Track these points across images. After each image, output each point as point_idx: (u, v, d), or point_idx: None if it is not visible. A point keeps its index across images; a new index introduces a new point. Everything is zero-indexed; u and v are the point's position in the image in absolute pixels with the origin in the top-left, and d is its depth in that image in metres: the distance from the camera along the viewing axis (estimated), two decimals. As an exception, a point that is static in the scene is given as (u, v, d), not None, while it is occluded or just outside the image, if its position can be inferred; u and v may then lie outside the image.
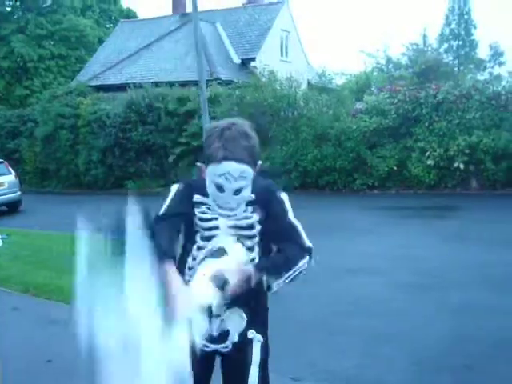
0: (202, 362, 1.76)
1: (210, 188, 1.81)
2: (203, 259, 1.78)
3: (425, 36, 28.98)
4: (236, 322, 1.75)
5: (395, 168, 12.24)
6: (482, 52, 32.69)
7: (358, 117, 12.73)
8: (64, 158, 16.36)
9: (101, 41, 25.52)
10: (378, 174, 12.33)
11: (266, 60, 16.15)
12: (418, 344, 3.75)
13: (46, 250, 7.52)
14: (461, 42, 29.21)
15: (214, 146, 1.78)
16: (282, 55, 20.49)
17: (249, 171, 1.78)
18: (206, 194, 1.84)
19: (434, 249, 6.73)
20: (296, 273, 1.79)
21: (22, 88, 25.11)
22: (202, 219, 1.83)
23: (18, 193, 12.57)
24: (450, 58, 27.53)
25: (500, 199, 10.81)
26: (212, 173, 1.78)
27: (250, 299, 1.75)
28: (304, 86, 15.44)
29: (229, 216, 1.82)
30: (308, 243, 1.85)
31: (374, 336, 3.90)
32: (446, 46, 29.83)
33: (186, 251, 1.85)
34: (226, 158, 1.75)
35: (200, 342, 1.66)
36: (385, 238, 7.52)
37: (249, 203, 1.82)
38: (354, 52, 59.76)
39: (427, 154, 11.84)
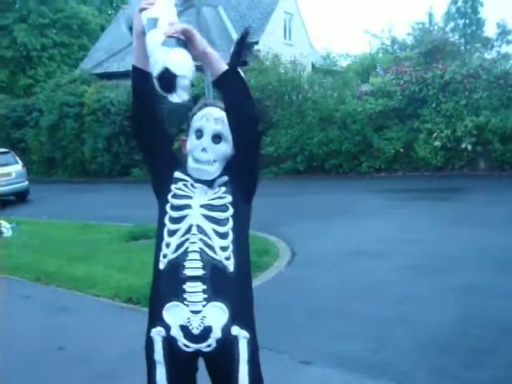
0: (183, 366, 1.70)
1: (190, 142, 1.84)
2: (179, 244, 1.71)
3: (430, 15, 28.64)
4: (217, 316, 1.63)
5: (402, 150, 12.17)
6: (489, 30, 32.29)
7: (364, 99, 12.63)
8: (70, 146, 16.39)
9: (103, 28, 25.36)
10: (385, 156, 12.26)
11: (270, 43, 16.00)
12: (425, 327, 3.75)
13: (55, 239, 7.57)
14: (467, 21, 28.83)
15: (197, 106, 1.87)
16: (285, 38, 20.29)
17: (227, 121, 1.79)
18: (185, 172, 1.85)
19: (441, 231, 6.71)
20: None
21: (26, 77, 25.07)
22: (175, 195, 1.79)
23: (26, 182, 12.62)
24: (457, 36, 27.18)
25: (508, 180, 10.72)
26: (193, 122, 1.84)
27: (231, 292, 1.66)
28: (308, 69, 15.31)
29: (204, 184, 1.79)
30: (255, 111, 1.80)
31: (381, 319, 3.90)
32: (452, 24, 29.44)
33: (161, 227, 1.80)
34: (206, 105, 1.86)
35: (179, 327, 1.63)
36: (392, 220, 7.49)
37: (223, 184, 1.78)
38: (358, 33, 59.15)
39: (434, 135, 11.75)
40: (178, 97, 1.62)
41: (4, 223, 8.44)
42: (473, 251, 5.64)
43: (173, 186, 1.82)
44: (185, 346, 1.64)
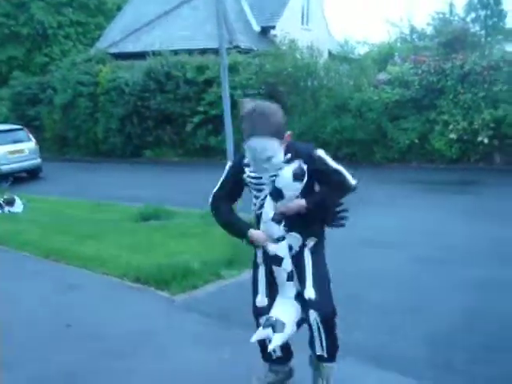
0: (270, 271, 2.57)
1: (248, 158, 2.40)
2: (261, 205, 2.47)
3: (451, 5, 28.09)
4: (294, 240, 2.48)
5: (417, 141, 12.00)
6: (511, 23, 31.60)
7: (380, 88, 12.44)
8: (83, 125, 16.39)
9: (119, 8, 25.22)
10: (399, 146, 12.11)
11: (287, 28, 15.79)
12: (434, 320, 3.70)
13: (65, 216, 7.60)
14: (489, 12, 28.23)
15: (243, 127, 2.33)
16: (302, 23, 20.05)
17: (271, 143, 2.27)
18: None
19: (453, 224, 6.62)
20: (339, 205, 2.47)
21: (42, 55, 25.06)
22: (250, 176, 2.46)
23: (39, 160, 12.69)
24: (477, 28, 26.66)
25: (524, 175, 10.55)
26: (246, 147, 2.35)
27: (302, 227, 2.46)
28: (325, 56, 15.12)
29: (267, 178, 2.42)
30: (352, 182, 2.41)
31: (390, 310, 3.86)
32: (473, 15, 28.84)
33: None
34: (250, 136, 2.29)
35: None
36: (403, 211, 7.41)
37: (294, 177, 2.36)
38: (377, 21, 58.31)
39: (450, 127, 11.56)
40: None
41: (17, 199, 8.50)
42: (485, 245, 5.56)
43: (246, 169, 2.47)
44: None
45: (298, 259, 2.52)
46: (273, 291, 2.57)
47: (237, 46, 15.77)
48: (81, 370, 3.14)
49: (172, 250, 5.41)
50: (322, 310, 2.44)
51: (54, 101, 16.89)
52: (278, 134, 2.29)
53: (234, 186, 2.54)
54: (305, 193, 2.40)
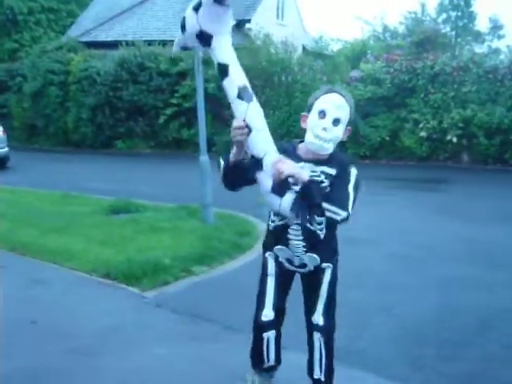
0: (285, 277, 2.45)
1: (312, 119, 2.22)
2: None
3: (423, 5, 28.49)
4: (311, 260, 2.34)
5: (387, 138, 12.18)
6: (481, 24, 32.28)
7: (353, 85, 12.57)
8: (53, 114, 16.05)
9: (93, -5, 24.70)
10: (370, 143, 12.28)
11: (262, 22, 15.76)
12: (405, 317, 3.78)
13: (33, 208, 7.43)
14: (460, 13, 28.74)
15: (322, 89, 2.27)
16: (277, 18, 20.01)
17: (347, 110, 2.22)
18: (290, 157, 2.18)
19: (422, 221, 6.76)
20: (327, 211, 2.15)
21: (11, 41, 24.39)
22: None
23: (6, 149, 12.35)
24: (448, 28, 27.13)
25: (491, 174, 10.84)
26: (318, 103, 2.21)
27: (322, 249, 2.33)
28: (299, 51, 15.16)
29: (309, 161, 2.23)
30: (349, 208, 2.21)
31: (362, 308, 3.92)
32: (444, 16, 29.33)
33: None
34: (331, 90, 2.24)
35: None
36: (375, 209, 7.51)
37: (327, 176, 2.22)
38: (351, 19, 58.72)
39: (421, 125, 11.78)
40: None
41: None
42: (454, 242, 5.70)
43: None
44: (289, 267, 2.40)
45: (312, 280, 2.42)
46: (281, 300, 2.47)
47: (211, 39, 15.64)
48: (45, 368, 3.09)
49: (142, 244, 5.36)
50: (327, 331, 2.44)
51: (24, 89, 16.48)
52: (349, 116, 2.24)
53: None
54: None
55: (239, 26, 18.05)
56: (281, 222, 2.31)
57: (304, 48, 17.73)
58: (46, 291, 4.30)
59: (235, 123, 2.09)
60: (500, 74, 11.26)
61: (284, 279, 2.46)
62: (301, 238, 2.29)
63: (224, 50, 2.18)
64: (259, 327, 2.47)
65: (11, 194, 8.57)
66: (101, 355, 3.23)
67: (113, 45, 15.95)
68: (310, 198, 2.10)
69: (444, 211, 7.27)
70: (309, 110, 2.26)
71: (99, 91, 14.90)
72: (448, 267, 4.86)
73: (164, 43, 15.03)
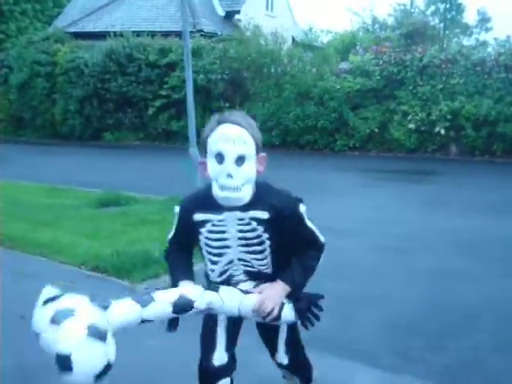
0: (234, 321, 1.97)
1: (211, 167, 1.79)
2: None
3: (413, -4, 28.51)
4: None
5: (376, 130, 12.23)
6: (469, 17, 32.37)
7: (342, 77, 12.59)
8: (40, 106, 15.89)
9: (79, -15, 24.37)
10: (359, 135, 12.32)
11: (251, 13, 15.70)
12: (393, 308, 3.81)
13: (21, 202, 7.37)
14: (448, 5, 28.83)
15: (212, 121, 1.82)
16: (267, 9, 19.95)
17: (249, 138, 1.76)
18: (209, 208, 1.84)
19: (409, 213, 6.81)
20: (313, 266, 2.03)
21: (-4, 32, 24.06)
22: (209, 239, 1.89)
23: (-8, 141, 12.23)
24: (437, 20, 27.22)
25: (478, 166, 10.93)
26: (210, 144, 1.78)
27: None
28: (289, 43, 15.12)
29: (233, 209, 1.81)
30: (322, 241, 2.00)
31: (349, 299, 3.95)
32: (432, 8, 29.44)
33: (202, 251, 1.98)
34: (221, 121, 1.78)
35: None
36: (361, 200, 7.56)
37: (260, 222, 1.83)
38: (341, 10, 58.65)
39: (409, 117, 11.84)
40: None
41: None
42: (440, 234, 5.75)
43: (203, 230, 1.88)
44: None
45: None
46: (234, 341, 2.01)
47: (200, 30, 15.58)
48: (33, 364, 3.07)
49: (132, 237, 5.34)
50: (297, 367, 2.15)
51: (10, 80, 16.28)
52: (254, 138, 1.79)
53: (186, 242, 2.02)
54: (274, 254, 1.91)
55: (229, 16, 18.00)
56: (220, 279, 1.94)
57: (293, 39, 17.69)
58: (36, 285, 4.25)
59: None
60: (487, 67, 11.32)
61: (233, 321, 1.98)
62: (246, 278, 1.93)
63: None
64: (210, 375, 1.92)
65: (-2, 187, 8.48)
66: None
67: (101, 35, 15.80)
68: (305, 301, 1.96)
69: (432, 203, 7.33)
70: (205, 152, 1.83)
71: (87, 83, 14.77)
72: (436, 258, 4.90)
73: (153, 34, 14.93)
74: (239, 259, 1.90)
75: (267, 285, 1.91)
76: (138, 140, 14.89)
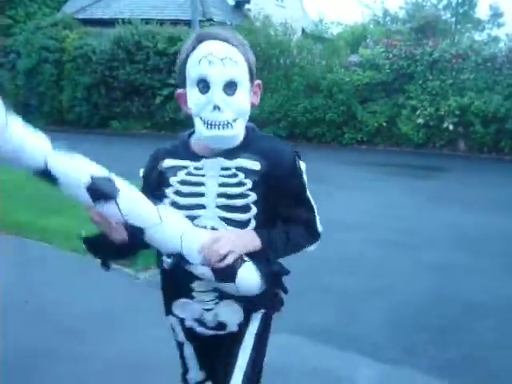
0: (207, 342, 1.59)
1: (192, 97, 1.35)
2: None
3: (424, -10, 28.25)
4: (232, 314, 1.50)
5: (384, 124, 12.16)
6: (481, 12, 32.04)
7: (352, 69, 12.49)
8: (47, 93, 15.87)
9: (89, -29, 24.29)
10: (367, 129, 12.25)
11: (261, 3, 15.58)
12: (397, 302, 3.80)
13: (27, 189, 7.38)
14: (460, 0, 28.54)
15: (191, 39, 1.37)
16: None
17: (240, 58, 1.35)
18: (184, 154, 1.45)
19: (415, 208, 6.78)
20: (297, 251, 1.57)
21: (5, 17, 24.06)
22: (179, 193, 1.43)
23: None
24: (448, 15, 26.97)
25: (486, 163, 10.85)
26: (189, 68, 1.34)
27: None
28: (298, 34, 15.02)
29: (215, 155, 1.38)
30: (319, 229, 1.58)
31: (354, 293, 3.94)
32: (445, 2, 29.14)
33: None
34: (204, 37, 1.34)
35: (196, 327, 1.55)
36: (368, 194, 7.53)
37: (249, 174, 1.39)
38: (351, 1, 58.22)
39: (418, 112, 11.75)
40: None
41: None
42: (448, 230, 5.72)
43: (173, 181, 1.45)
44: (203, 331, 1.56)
45: (228, 341, 1.55)
46: (208, 363, 1.66)
47: (210, 19, 15.48)
48: (34, 349, 3.09)
49: (137, 225, 5.33)
50: None
51: (18, 66, 16.27)
52: (248, 62, 1.41)
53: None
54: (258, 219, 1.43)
55: (239, 6, 17.90)
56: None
57: (303, 31, 17.57)
58: (42, 271, 4.28)
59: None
60: (498, 63, 11.20)
61: (205, 344, 1.61)
62: (210, 287, 1.45)
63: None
64: None
65: (3, 175, 8.50)
66: (93, 338, 3.24)
67: (109, 22, 15.74)
68: (272, 262, 1.46)
69: (438, 198, 7.29)
70: (182, 82, 1.39)
71: (94, 70, 14.73)
72: (441, 253, 4.88)
73: (161, 22, 14.85)
74: (213, 228, 1.41)
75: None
76: (145, 129, 14.87)
